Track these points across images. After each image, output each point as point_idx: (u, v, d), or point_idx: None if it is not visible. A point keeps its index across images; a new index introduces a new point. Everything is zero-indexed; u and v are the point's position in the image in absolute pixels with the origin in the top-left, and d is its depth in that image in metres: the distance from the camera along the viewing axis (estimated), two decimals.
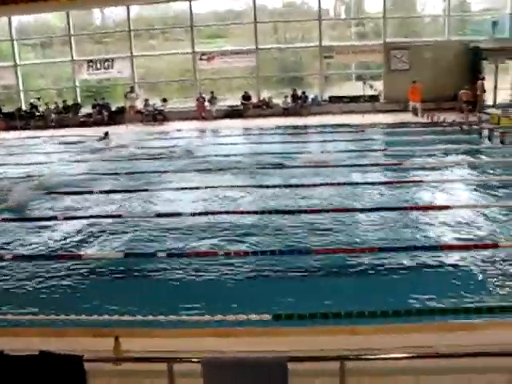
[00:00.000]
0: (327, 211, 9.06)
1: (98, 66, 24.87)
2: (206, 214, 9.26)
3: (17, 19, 25.20)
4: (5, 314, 5.57)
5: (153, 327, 4.76)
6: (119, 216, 9.40)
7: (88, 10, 25.37)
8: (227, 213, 9.22)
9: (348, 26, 25.77)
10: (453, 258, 6.96)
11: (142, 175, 12.60)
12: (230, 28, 25.91)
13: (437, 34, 23.93)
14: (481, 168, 12.32)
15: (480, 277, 6.40)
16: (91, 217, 9.42)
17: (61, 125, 23.36)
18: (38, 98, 24.80)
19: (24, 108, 24.96)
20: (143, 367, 3.69)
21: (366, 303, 5.40)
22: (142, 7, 25.11)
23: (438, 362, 3.67)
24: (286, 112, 23.40)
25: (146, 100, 23.88)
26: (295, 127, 19.80)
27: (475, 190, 10.41)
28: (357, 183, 11.13)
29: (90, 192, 11.14)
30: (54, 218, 9.44)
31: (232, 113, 23.83)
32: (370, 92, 22.40)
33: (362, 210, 9.14)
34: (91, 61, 24.87)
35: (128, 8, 24.06)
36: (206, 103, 23.74)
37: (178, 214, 9.10)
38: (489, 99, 21.26)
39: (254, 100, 24.29)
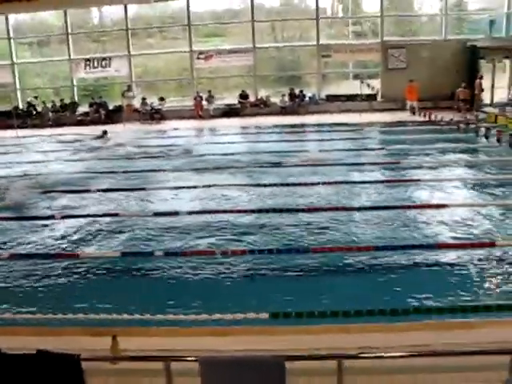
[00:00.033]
0: (324, 210, 9.08)
1: (96, 64, 24.80)
2: (203, 212, 9.26)
3: (14, 17, 25.14)
4: (2, 313, 5.57)
5: (150, 326, 4.75)
6: (116, 215, 9.39)
7: (86, 8, 25.33)
8: (224, 211, 9.22)
9: (345, 24, 25.77)
10: (450, 256, 6.97)
11: (139, 174, 12.58)
12: (227, 27, 25.89)
13: (434, 33, 23.95)
14: (477, 167, 12.35)
15: (477, 275, 6.42)
16: (88, 216, 9.41)
17: (58, 123, 23.30)
18: (36, 97, 24.71)
19: (21, 107, 24.90)
20: (141, 366, 3.69)
21: (363, 302, 5.41)
22: (139, 6, 25.05)
23: (435, 360, 3.68)
24: (283, 111, 23.39)
25: (144, 99, 23.84)
26: (293, 126, 19.78)
27: (472, 188, 10.43)
28: (354, 182, 11.14)
29: (88, 191, 11.12)
30: (51, 217, 9.43)
31: (229, 111, 23.82)
32: (367, 91, 22.40)
33: (359, 209, 9.15)
34: (89, 59, 24.78)
35: (125, 7, 24.01)
36: (204, 102, 23.72)
37: (176, 213, 9.10)
38: (486, 98, 21.29)
39: (252, 99, 24.27)
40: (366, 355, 3.62)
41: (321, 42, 23.93)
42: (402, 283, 6.24)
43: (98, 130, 20.04)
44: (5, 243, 8.33)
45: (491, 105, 20.80)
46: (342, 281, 6.53)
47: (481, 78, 20.83)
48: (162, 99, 23.93)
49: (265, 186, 10.84)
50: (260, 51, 24.44)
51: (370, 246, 7.28)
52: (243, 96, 24.04)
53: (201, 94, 23.75)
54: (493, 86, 21.37)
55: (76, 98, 25.22)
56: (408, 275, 6.57)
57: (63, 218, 9.33)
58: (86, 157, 15.67)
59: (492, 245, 7.15)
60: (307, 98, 23.86)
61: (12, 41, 25.10)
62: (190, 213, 9.14)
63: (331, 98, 23.88)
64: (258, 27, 24.18)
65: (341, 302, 5.57)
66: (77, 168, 13.89)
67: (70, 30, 24.65)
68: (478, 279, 6.32)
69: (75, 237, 8.46)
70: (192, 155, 14.81)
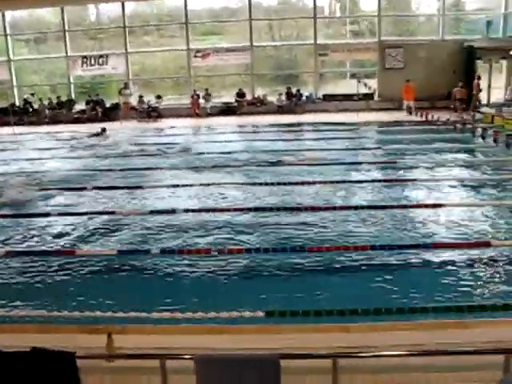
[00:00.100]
0: (320, 209, 9.09)
1: (93, 62, 24.76)
2: (200, 211, 9.26)
3: (10, 14, 25.07)
4: None
5: (146, 324, 4.75)
6: (113, 213, 9.38)
7: (83, 5, 25.30)
8: (221, 210, 9.23)
9: (343, 24, 25.78)
10: (445, 256, 6.98)
11: (137, 172, 12.57)
12: (225, 25, 25.88)
13: (431, 33, 24.00)
14: (473, 167, 12.38)
15: (472, 275, 6.43)
16: (85, 213, 9.40)
17: (54, 121, 23.27)
18: (32, 94, 24.66)
19: (17, 104, 24.83)
20: (136, 364, 3.69)
21: (358, 301, 5.42)
22: (137, 3, 25.02)
23: (429, 359, 3.70)
24: (280, 110, 23.41)
25: (141, 97, 23.81)
26: (289, 125, 19.79)
27: (468, 188, 10.45)
28: (350, 181, 11.16)
29: (84, 188, 11.11)
30: (48, 214, 9.43)
31: (226, 110, 23.82)
32: (364, 90, 22.44)
33: (355, 208, 9.15)
34: (85, 57, 24.74)
35: (123, 4, 23.99)
36: (201, 100, 23.71)
37: (173, 211, 9.10)
38: (483, 98, 21.32)
39: (249, 97, 24.27)
40: (360, 354, 3.64)
41: (318, 41, 23.96)
42: (398, 282, 6.25)
43: (94, 127, 20.02)
44: (0, 241, 8.31)
45: (488, 105, 20.85)
46: (337, 280, 6.53)
47: (479, 78, 20.87)
48: (159, 97, 23.91)
49: (261, 184, 10.84)
50: (257, 50, 24.45)
51: (367, 246, 7.29)
52: (240, 94, 24.03)
53: (198, 92, 23.75)
54: (489, 87, 21.42)
55: (73, 96, 25.19)
56: (403, 274, 6.57)
57: (59, 215, 9.33)
58: (85, 154, 15.65)
59: (487, 245, 7.17)
60: (304, 97, 23.88)
61: (9, 37, 25.04)
62: (187, 211, 9.14)
63: (328, 97, 23.90)
64: (255, 26, 24.18)
65: (336, 301, 5.58)
66: (74, 165, 13.88)
67: (67, 27, 24.61)
68: (472, 279, 6.34)
69: (72, 234, 8.45)
70: (189, 153, 14.80)
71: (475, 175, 11.55)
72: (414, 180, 10.94)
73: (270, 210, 9.14)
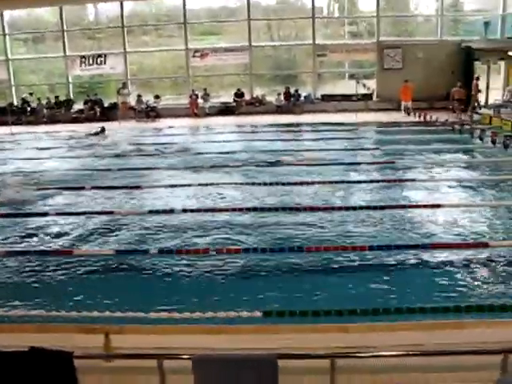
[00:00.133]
0: (319, 209, 9.09)
1: (91, 61, 24.73)
2: (198, 211, 9.25)
3: (9, 13, 25.03)
4: None
5: (143, 324, 4.75)
6: (111, 212, 9.37)
7: (81, 5, 25.27)
8: (220, 210, 9.22)
9: (341, 24, 25.78)
10: (443, 256, 6.99)
11: (135, 172, 12.56)
12: (223, 25, 25.87)
13: (430, 34, 24.04)
14: (471, 168, 12.39)
15: (470, 275, 6.44)
16: (83, 213, 9.38)
17: (53, 120, 23.25)
18: (30, 94, 24.63)
19: (16, 103, 24.80)
20: (133, 364, 3.69)
21: (357, 301, 5.42)
22: (135, 3, 25.01)
23: (427, 359, 3.69)
24: (278, 110, 23.42)
25: (139, 96, 23.79)
26: (288, 125, 19.79)
27: (466, 189, 10.46)
28: (349, 181, 11.16)
29: (83, 188, 11.09)
30: (46, 213, 9.41)
31: (225, 110, 23.81)
32: (362, 91, 22.42)
33: (353, 208, 9.15)
34: (84, 56, 24.71)
35: (121, 4, 23.97)
36: (199, 100, 23.70)
37: (171, 211, 9.09)
38: (481, 99, 21.34)
39: (247, 97, 24.27)
40: (359, 354, 3.63)
41: (317, 42, 23.97)
42: (396, 283, 6.25)
43: (92, 127, 20.01)
44: None
45: (486, 106, 20.87)
46: (335, 280, 6.53)
47: (477, 79, 20.89)
48: (157, 97, 23.91)
49: (259, 184, 10.84)
50: (256, 50, 24.45)
51: (365, 246, 7.28)
52: (239, 94, 24.03)
53: (196, 92, 23.74)
54: (488, 88, 21.44)
55: (71, 95, 25.17)
56: (402, 275, 6.57)
57: (57, 214, 9.31)
58: (83, 154, 15.63)
59: (485, 245, 7.17)
60: (302, 98, 23.88)
61: (7, 37, 25.00)
62: (185, 211, 9.13)
63: (327, 98, 23.92)
64: (254, 26, 24.18)
65: (334, 301, 5.58)
66: (73, 165, 13.86)
67: (65, 27, 24.58)
68: (471, 279, 6.34)
69: (70, 234, 8.43)
70: (187, 153, 14.80)
71: (473, 176, 11.56)
72: (413, 180, 10.95)
73: (269, 210, 9.13)
